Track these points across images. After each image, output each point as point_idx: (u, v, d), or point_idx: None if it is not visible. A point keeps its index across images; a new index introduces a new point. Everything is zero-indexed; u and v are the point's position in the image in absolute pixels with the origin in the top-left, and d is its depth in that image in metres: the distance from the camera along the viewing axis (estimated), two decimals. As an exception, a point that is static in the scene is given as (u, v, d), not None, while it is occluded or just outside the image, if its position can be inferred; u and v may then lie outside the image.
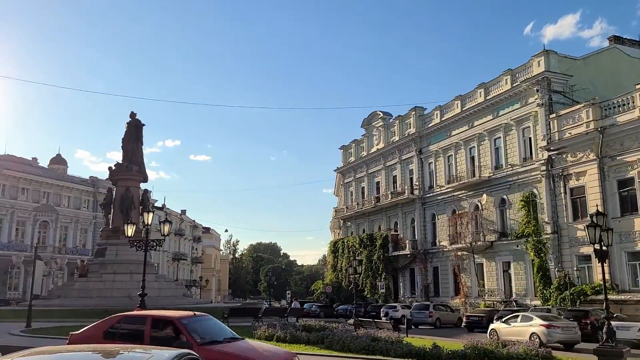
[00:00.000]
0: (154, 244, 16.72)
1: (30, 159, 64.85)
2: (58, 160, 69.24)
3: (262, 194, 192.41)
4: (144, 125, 34.22)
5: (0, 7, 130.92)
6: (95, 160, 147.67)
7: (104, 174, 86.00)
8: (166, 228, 16.32)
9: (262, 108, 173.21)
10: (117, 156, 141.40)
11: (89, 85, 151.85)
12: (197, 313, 9.58)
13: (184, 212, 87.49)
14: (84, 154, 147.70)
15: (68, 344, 8.76)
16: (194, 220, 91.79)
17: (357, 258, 43.99)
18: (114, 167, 33.31)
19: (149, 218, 16.17)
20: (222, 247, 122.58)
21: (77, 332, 9.34)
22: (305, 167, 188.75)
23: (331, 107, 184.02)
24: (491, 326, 23.48)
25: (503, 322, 22.82)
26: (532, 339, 19.96)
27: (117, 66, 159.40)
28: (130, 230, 17.07)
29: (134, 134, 33.48)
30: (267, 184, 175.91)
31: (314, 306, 47.99)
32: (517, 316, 22.79)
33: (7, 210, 54.94)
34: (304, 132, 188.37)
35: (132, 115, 33.77)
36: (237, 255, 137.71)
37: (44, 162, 66.87)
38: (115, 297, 28.44)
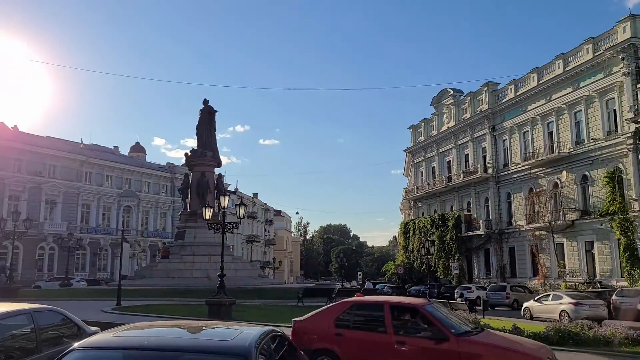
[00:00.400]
0: (231, 226, 17.24)
1: (112, 147, 68.67)
2: (137, 148, 72.87)
3: (331, 176, 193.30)
4: (216, 111, 35.23)
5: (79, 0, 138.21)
6: (170, 147, 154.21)
7: (179, 160, 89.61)
8: (241, 211, 16.80)
9: (329, 90, 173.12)
10: (191, 143, 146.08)
11: (163, 75, 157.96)
12: (430, 300, 9.31)
13: (255, 195, 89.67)
14: (160, 142, 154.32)
15: (293, 330, 8.69)
16: (265, 204, 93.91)
17: (429, 239, 43.41)
18: (189, 153, 34.60)
19: (225, 201, 16.68)
20: (293, 229, 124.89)
21: (301, 319, 8.98)
22: (374, 148, 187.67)
23: (399, 86, 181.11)
24: (525, 304, 24.94)
25: (535, 300, 24.26)
26: (562, 315, 21.51)
27: (189, 55, 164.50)
28: (207, 214, 17.69)
29: (207, 120, 34.54)
30: (335, 166, 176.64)
31: (385, 287, 47.92)
32: (549, 295, 24.57)
33: (94, 196, 58.54)
34: (372, 113, 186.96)
35: (205, 102, 34.81)
36: (307, 237, 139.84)
37: (124, 151, 70.62)
38: (195, 277, 29.74)
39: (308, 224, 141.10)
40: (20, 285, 33.55)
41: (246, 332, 4.33)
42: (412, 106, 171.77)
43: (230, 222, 17.14)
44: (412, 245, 55.10)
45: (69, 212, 55.57)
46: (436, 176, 55.20)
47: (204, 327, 4.85)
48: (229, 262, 31.66)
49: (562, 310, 22.03)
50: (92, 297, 25.98)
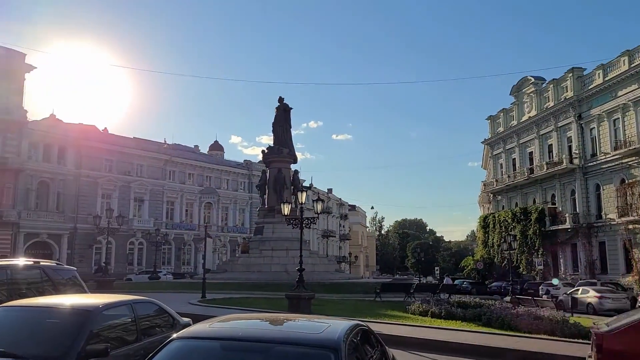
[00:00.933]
0: (309, 221, 17.48)
1: (193, 146, 71.64)
2: (216, 147, 75.61)
3: (405, 170, 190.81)
4: (291, 108, 35.79)
5: (153, 3, 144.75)
6: (247, 145, 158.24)
7: (255, 157, 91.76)
8: (319, 206, 17.00)
9: (402, 83, 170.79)
10: (266, 139, 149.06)
11: (239, 75, 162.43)
12: None
13: (330, 190, 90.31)
14: (236, 139, 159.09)
15: (603, 349, 6.69)
16: (340, 199, 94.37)
17: (510, 233, 41.82)
18: (266, 150, 35.42)
19: (302, 197, 16.93)
20: (368, 224, 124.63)
21: (613, 330, 6.81)
22: (448, 140, 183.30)
23: (475, 77, 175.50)
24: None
25: (567, 294, 26.29)
26: (588, 307, 24.93)
27: (263, 55, 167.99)
28: (286, 209, 18.04)
29: (282, 117, 35.19)
30: (409, 160, 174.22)
31: (464, 283, 46.68)
32: (578, 289, 27.48)
33: (178, 193, 61.39)
34: (446, 105, 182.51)
35: (280, 99, 35.47)
36: (382, 232, 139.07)
37: (204, 149, 73.47)
38: (274, 271, 30.45)
39: (383, 218, 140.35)
40: (115, 277, 35.81)
41: (334, 326, 4.45)
42: (488, 97, 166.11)
43: (308, 218, 17.40)
44: (492, 239, 53.34)
45: (155, 209, 58.63)
46: (517, 168, 53.06)
47: (292, 320, 5.08)
48: (307, 257, 32.09)
49: (589, 303, 25.33)
50: (178, 290, 27.23)
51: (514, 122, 53.99)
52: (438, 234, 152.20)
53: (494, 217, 54.28)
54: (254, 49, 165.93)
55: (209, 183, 65.09)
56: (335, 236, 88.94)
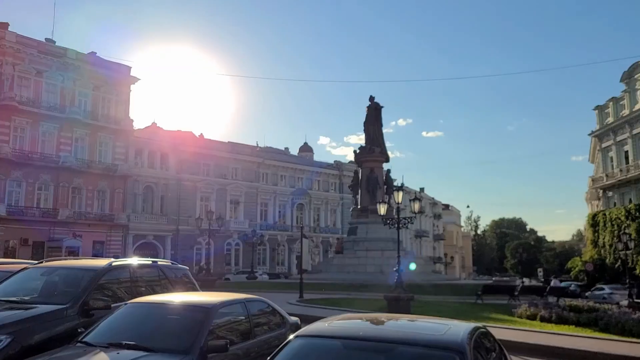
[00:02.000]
0: (406, 221, 16.94)
1: (283, 149, 73.05)
2: (305, 148, 76.61)
3: (502, 167, 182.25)
4: (382, 107, 35.29)
5: (241, 8, 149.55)
6: (335, 145, 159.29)
7: (344, 157, 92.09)
8: (416, 206, 16.43)
9: (496, 75, 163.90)
10: (355, 139, 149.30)
11: (325, 76, 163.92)
12: None
13: (422, 190, 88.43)
14: (325, 140, 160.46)
15: None
16: (432, 198, 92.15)
17: (625, 232, 38.45)
18: (358, 150, 35.16)
19: (399, 196, 16.43)
20: (462, 224, 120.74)
21: None
22: (549, 134, 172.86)
23: (579, 64, 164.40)
24: None
25: None
26: None
27: (350, 53, 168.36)
28: (382, 209, 17.63)
29: (373, 116, 34.78)
30: (506, 155, 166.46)
31: (572, 285, 43.56)
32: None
33: (271, 195, 62.87)
34: (547, 96, 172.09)
35: (371, 98, 35.10)
36: (479, 232, 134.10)
37: (293, 151, 74.68)
38: (369, 272, 30.10)
39: (479, 217, 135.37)
40: (215, 277, 37.16)
41: (455, 327, 4.37)
42: (594, 86, 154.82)
43: (405, 217, 16.84)
44: (603, 239, 49.41)
45: (249, 211, 60.42)
46: (630, 161, 48.75)
47: (410, 321, 5.03)
48: (402, 257, 31.49)
49: None
50: (276, 290, 27.64)
51: (626, 112, 49.68)
52: (540, 234, 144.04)
53: (604, 215, 50.24)
54: (341, 49, 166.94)
55: (300, 184, 66.08)
56: (428, 236, 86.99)
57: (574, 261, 63.63)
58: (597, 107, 55.65)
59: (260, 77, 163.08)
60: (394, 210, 16.90)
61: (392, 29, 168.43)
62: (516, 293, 22.21)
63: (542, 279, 63.98)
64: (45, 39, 48.48)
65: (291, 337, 4.29)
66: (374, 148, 34.09)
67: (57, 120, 45.61)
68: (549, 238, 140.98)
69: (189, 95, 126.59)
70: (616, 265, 44.80)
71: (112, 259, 8.41)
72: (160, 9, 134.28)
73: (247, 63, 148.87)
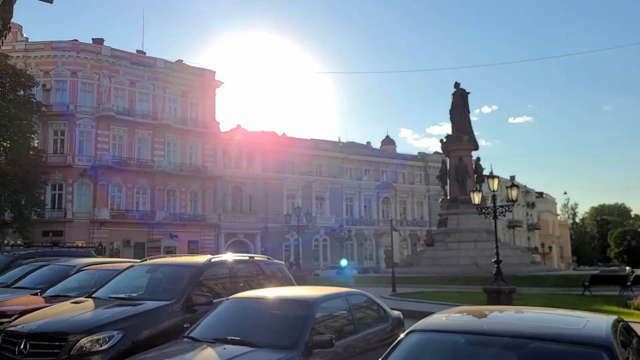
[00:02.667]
0: (504, 210, 16.03)
1: (365, 143, 72.54)
2: (387, 141, 75.65)
3: (599, 150, 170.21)
4: (468, 93, 33.90)
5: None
6: (417, 137, 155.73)
7: (426, 149, 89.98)
8: (514, 193, 15.47)
9: (589, 53, 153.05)
10: (436, 130, 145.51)
11: (403, 66, 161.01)
12: None
13: (512, 178, 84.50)
14: (406, 132, 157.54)
15: None
16: (525, 186, 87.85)
17: None
18: (444, 139, 33.99)
19: (494, 184, 15.57)
20: (559, 212, 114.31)
21: None
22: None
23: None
24: None
25: None
26: None
27: (427, 41, 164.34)
28: (476, 198, 16.80)
29: (460, 103, 33.50)
30: (603, 137, 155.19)
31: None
32: None
33: (355, 190, 62.70)
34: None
35: (456, 85, 33.84)
36: (577, 220, 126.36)
37: (375, 145, 73.96)
38: (462, 264, 29.04)
39: (576, 205, 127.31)
40: (306, 273, 37.56)
41: (593, 320, 3.93)
42: None
43: (502, 206, 15.94)
44: None
45: (335, 206, 60.58)
46: None
47: (538, 313, 4.57)
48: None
49: None
50: (367, 284, 27.23)
51: None
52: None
53: None
54: (420, 39, 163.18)
55: (384, 178, 65.34)
56: (522, 226, 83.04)
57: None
58: None
59: (337, 72, 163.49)
60: (490, 198, 16.00)
61: (470, 14, 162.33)
62: (629, 283, 20.43)
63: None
64: (137, 50, 51.34)
65: (406, 332, 3.99)
66: (461, 136, 32.81)
67: (150, 127, 48.18)
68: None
69: (269, 95, 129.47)
70: None
71: (211, 256, 8.50)
72: (233, 11, 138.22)
73: (325, 59, 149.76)
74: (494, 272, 16.14)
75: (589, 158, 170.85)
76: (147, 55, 51.22)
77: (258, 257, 9.45)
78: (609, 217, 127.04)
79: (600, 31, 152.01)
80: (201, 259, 8.24)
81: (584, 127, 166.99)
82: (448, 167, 33.38)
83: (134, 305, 6.85)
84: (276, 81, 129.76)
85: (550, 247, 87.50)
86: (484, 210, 16.90)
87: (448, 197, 33.28)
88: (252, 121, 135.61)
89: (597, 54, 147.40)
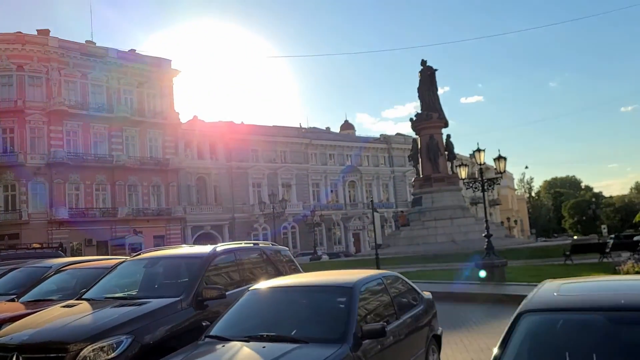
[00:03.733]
0: (492, 182, 15.77)
1: (324, 128, 71.94)
2: (347, 126, 75.21)
3: (548, 125, 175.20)
4: (436, 70, 33.71)
5: None
6: (374, 121, 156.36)
7: (383, 132, 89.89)
8: (501, 165, 15.23)
9: (532, 29, 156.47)
10: (392, 113, 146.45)
11: (353, 49, 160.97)
12: None
13: (472, 156, 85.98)
14: (363, 117, 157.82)
15: None
16: (484, 163, 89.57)
17: None
18: (414, 118, 33.75)
19: (482, 157, 15.30)
20: (516, 187, 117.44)
21: None
22: (592, 87, 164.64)
23: (616, 9, 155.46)
24: None
25: None
26: None
27: (372, 24, 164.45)
28: (463, 173, 16.57)
29: (427, 81, 33.28)
30: (551, 113, 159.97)
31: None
32: None
33: (321, 175, 62.20)
34: (586, 48, 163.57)
35: (423, 62, 33.56)
36: (533, 194, 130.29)
37: (335, 130, 73.45)
38: (440, 242, 29.00)
39: (532, 179, 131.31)
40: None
41: None
42: (636, 30, 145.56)
43: (490, 179, 15.67)
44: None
45: (302, 193, 59.93)
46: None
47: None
48: (473, 223, 30.23)
49: None
50: (347, 269, 26.92)
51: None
52: (595, 190, 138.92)
53: None
54: (369, 21, 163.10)
55: (349, 162, 65.08)
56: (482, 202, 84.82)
57: (643, 214, 60.70)
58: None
59: (289, 55, 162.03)
60: (477, 172, 15.71)
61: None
62: (607, 250, 20.78)
63: (614, 236, 61.21)
64: (86, 41, 48.88)
65: (517, 314, 3.40)
66: (431, 114, 32.63)
67: (106, 120, 46.09)
68: (606, 194, 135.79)
69: (225, 83, 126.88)
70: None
71: (217, 244, 7.74)
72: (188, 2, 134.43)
73: (280, 44, 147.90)
74: (482, 247, 15.93)
75: (539, 134, 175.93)
76: (97, 45, 48.87)
77: (262, 243, 8.83)
78: (562, 189, 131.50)
79: (543, 8, 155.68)
80: (204, 249, 7.49)
81: (533, 103, 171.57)
82: (419, 146, 33.21)
83: (139, 304, 6.05)
84: (232, 69, 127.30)
85: (515, 221, 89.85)
86: (471, 184, 16.61)
87: (421, 176, 33.15)
88: (211, 111, 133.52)
89: (539, 31, 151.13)
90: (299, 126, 67.11)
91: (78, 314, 6.03)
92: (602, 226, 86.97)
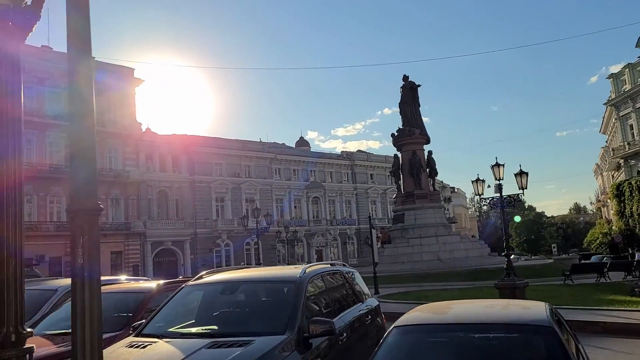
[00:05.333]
0: (513, 199, 15.34)
1: (281, 144, 70.78)
2: (302, 142, 74.16)
3: (490, 148, 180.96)
4: (419, 86, 33.60)
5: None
6: (323, 139, 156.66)
7: (334, 150, 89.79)
8: (523, 180, 14.81)
9: (478, 54, 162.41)
10: (342, 132, 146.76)
11: (307, 64, 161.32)
12: None
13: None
14: (313, 134, 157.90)
15: None
16: (441, 181, 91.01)
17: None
18: (396, 133, 33.39)
19: (500, 172, 14.80)
20: (469, 205, 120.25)
21: None
22: (535, 111, 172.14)
23: (565, 38, 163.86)
24: None
25: None
26: None
27: (331, 42, 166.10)
28: (480, 188, 15.93)
29: (409, 96, 33.06)
30: (491, 136, 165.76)
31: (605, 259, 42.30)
32: None
33: (285, 190, 61.02)
34: (524, 75, 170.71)
35: (405, 78, 33.41)
36: (482, 213, 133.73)
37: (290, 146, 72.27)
38: (425, 260, 28.46)
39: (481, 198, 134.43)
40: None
41: None
42: (566, 63, 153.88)
43: (510, 195, 15.24)
44: (631, 208, 48.46)
45: (265, 208, 58.39)
46: (655, 127, 47.82)
47: None
48: (458, 242, 30.01)
49: None
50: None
51: (646, 77, 48.68)
52: (538, 210, 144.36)
53: (630, 184, 49.25)
54: (320, 40, 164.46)
55: (313, 177, 64.31)
56: (456, 221, 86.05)
57: (593, 234, 62.99)
58: (612, 76, 54.70)
59: (229, 67, 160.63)
60: (495, 187, 15.24)
61: (367, 15, 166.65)
62: (605, 270, 20.88)
63: (570, 255, 63.06)
64: (42, 46, 46.07)
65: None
66: (413, 129, 32.37)
67: (63, 128, 43.30)
68: (547, 213, 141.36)
69: (175, 96, 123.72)
70: (649, 234, 43.90)
71: (305, 265, 6.64)
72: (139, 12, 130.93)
73: (230, 56, 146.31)
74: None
75: (483, 155, 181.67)
76: (54, 50, 46.15)
77: (337, 263, 7.91)
78: (508, 208, 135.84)
79: (490, 35, 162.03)
80: (291, 271, 6.22)
81: (476, 126, 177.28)
82: (401, 162, 32.78)
83: (240, 344, 4.45)
84: (185, 79, 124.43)
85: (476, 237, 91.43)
86: (489, 201, 16.14)
87: (403, 193, 32.64)
88: (162, 125, 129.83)
89: (484, 57, 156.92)
90: (259, 141, 65.82)
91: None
92: (553, 245, 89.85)
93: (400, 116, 33.59)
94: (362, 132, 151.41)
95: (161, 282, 7.34)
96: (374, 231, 20.65)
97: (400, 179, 32.84)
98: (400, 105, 33.53)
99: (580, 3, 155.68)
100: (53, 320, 6.84)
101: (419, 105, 33.51)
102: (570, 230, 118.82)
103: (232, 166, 56.18)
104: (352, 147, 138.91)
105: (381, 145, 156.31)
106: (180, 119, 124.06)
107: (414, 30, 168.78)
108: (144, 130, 52.51)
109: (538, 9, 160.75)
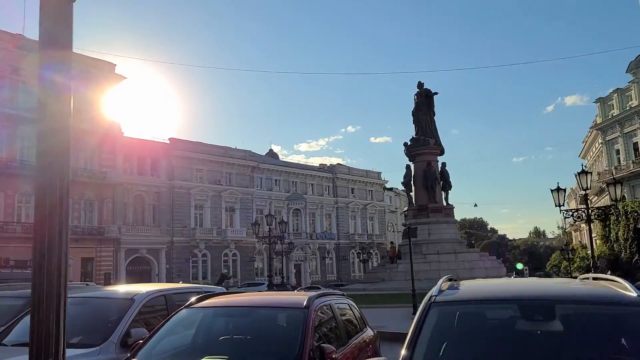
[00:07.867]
0: (602, 212, 13.79)
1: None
2: (271, 154, 71.77)
3: (452, 169, 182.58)
4: (435, 93, 32.14)
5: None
6: (287, 153, 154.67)
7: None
8: (618, 191, 13.34)
9: (437, 71, 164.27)
10: (305, 147, 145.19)
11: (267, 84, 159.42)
12: None
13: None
14: (276, 148, 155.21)
15: None
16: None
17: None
18: (409, 143, 31.70)
19: (587, 180, 13.27)
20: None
21: None
22: (495, 135, 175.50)
23: (526, 62, 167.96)
24: None
25: None
26: None
27: (292, 53, 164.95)
28: (561, 198, 14.30)
29: (425, 104, 31.56)
30: (453, 158, 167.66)
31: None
32: None
33: (266, 201, 58.54)
34: (499, 94, 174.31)
35: (420, 85, 31.94)
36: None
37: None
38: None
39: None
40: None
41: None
42: (538, 85, 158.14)
43: (599, 208, 13.70)
44: (616, 233, 48.46)
45: (245, 218, 55.81)
46: (641, 153, 48.15)
47: None
48: (477, 259, 28.43)
49: None
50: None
51: (634, 102, 49.08)
52: (500, 233, 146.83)
53: (616, 208, 49.32)
54: (284, 49, 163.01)
55: (295, 189, 62.11)
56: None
57: (555, 257, 63.14)
58: (599, 100, 55.16)
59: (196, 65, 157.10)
60: (578, 199, 13.65)
61: (330, 31, 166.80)
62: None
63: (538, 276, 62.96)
64: (16, 33, 42.50)
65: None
66: (428, 139, 30.82)
67: (36, 122, 39.78)
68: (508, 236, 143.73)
69: (148, 99, 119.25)
70: (634, 260, 43.76)
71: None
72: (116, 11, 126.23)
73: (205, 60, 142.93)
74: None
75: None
76: (29, 38, 42.63)
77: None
78: (471, 230, 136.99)
79: (450, 57, 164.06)
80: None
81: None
82: (414, 173, 31.10)
83: None
84: (153, 86, 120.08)
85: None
86: (573, 213, 14.54)
87: (415, 205, 30.86)
88: (130, 127, 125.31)
89: (447, 80, 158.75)
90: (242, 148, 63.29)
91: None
92: (525, 268, 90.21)
93: (414, 125, 32.01)
94: (325, 148, 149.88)
95: (314, 296, 5.72)
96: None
97: (412, 191, 31.17)
98: (414, 113, 31.96)
99: (545, 34, 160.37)
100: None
101: (434, 114, 32.06)
102: (528, 254, 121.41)
103: (213, 173, 53.43)
104: (315, 163, 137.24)
105: (344, 162, 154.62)
106: (156, 120, 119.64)
107: (378, 50, 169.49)
108: (122, 129, 49.33)
109: (501, 32, 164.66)
